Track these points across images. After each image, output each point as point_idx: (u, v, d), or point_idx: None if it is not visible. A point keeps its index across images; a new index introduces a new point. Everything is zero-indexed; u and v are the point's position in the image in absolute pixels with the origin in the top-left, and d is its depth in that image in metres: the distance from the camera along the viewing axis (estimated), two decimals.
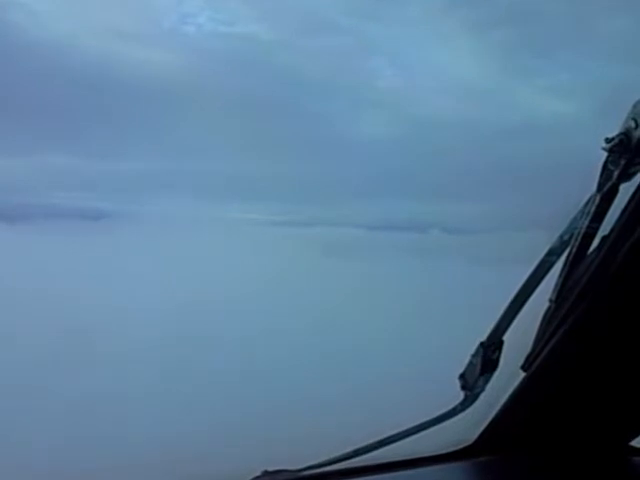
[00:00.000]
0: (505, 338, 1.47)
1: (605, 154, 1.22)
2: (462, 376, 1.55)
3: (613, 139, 1.19)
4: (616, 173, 1.19)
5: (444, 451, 1.65)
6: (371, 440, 1.61)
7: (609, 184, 1.21)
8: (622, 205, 1.23)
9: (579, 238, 1.27)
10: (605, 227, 1.25)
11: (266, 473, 1.60)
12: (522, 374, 1.47)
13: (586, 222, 1.25)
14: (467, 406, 1.55)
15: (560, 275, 1.31)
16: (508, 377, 1.52)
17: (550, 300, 1.34)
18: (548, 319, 1.36)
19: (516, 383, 1.51)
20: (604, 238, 1.26)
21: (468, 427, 1.65)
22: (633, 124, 1.17)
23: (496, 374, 1.50)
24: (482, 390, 1.52)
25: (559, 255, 1.33)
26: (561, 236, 1.33)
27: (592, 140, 1.22)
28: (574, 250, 1.28)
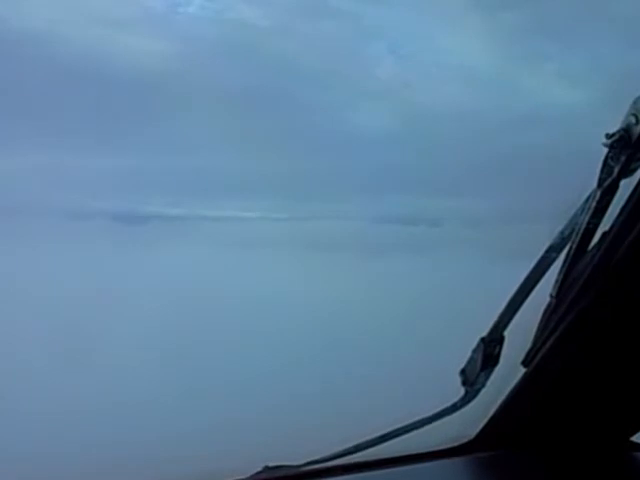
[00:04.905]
0: (506, 333, 1.47)
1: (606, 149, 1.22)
2: (463, 372, 1.55)
3: (614, 135, 1.19)
4: (616, 169, 1.19)
5: (445, 447, 1.65)
6: (372, 435, 1.61)
7: (609, 180, 1.21)
8: (623, 201, 1.24)
9: (579, 234, 1.27)
10: (605, 223, 1.26)
11: (267, 468, 1.61)
12: (523, 370, 1.47)
13: (586, 218, 1.25)
14: (468, 402, 1.56)
15: (561, 271, 1.32)
16: (509, 373, 1.52)
17: (551, 295, 1.35)
18: (549, 314, 1.36)
19: (517, 379, 1.52)
20: (605, 234, 1.26)
21: (469, 423, 1.65)
22: (633, 120, 1.17)
23: (497, 370, 1.50)
24: (483, 386, 1.52)
25: (559, 251, 1.34)
26: (561, 232, 1.33)
27: (603, 131, 1.22)
28: (574, 246, 1.28)
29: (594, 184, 1.25)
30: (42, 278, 9.22)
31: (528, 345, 1.41)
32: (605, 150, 1.21)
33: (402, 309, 8.04)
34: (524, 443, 1.58)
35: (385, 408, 4.75)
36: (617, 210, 1.24)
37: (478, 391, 1.53)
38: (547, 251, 1.37)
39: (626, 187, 1.23)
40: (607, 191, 1.22)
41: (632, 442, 1.63)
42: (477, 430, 1.64)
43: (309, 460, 1.60)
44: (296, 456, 1.63)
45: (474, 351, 1.51)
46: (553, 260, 1.36)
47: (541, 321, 1.38)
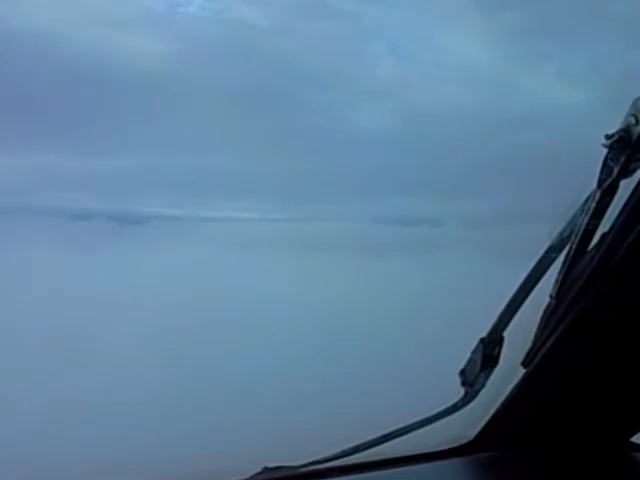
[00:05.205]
0: (505, 334, 1.47)
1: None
2: (462, 372, 1.55)
3: (613, 135, 1.19)
4: (616, 170, 1.19)
5: (445, 447, 1.65)
6: (372, 436, 1.61)
7: (609, 180, 1.21)
8: (622, 202, 1.24)
9: (579, 235, 1.27)
10: (605, 224, 1.26)
11: (266, 469, 1.60)
12: (522, 370, 1.47)
13: (586, 219, 1.25)
14: (467, 402, 1.55)
15: (560, 271, 1.32)
16: (508, 373, 1.52)
17: (550, 296, 1.34)
18: (548, 315, 1.36)
19: (516, 379, 1.51)
20: (604, 235, 1.26)
21: (468, 423, 1.65)
22: (633, 120, 1.17)
23: (496, 370, 1.50)
24: (482, 386, 1.52)
25: (559, 252, 1.34)
26: (561, 233, 1.33)
27: (603, 132, 1.22)
28: (574, 247, 1.28)
29: (594, 184, 1.24)
30: (42, 277, 9.22)
31: (528, 346, 1.41)
32: (605, 150, 1.21)
33: (402, 309, 8.04)
34: (524, 444, 1.58)
35: (385, 408, 4.75)
36: (617, 211, 1.24)
37: (478, 392, 1.53)
38: (547, 251, 1.37)
39: (626, 188, 1.22)
40: (607, 192, 1.22)
41: (632, 443, 1.63)
42: (477, 431, 1.63)
43: (309, 461, 1.60)
44: (296, 456, 1.63)
45: (474, 352, 1.50)
46: (553, 260, 1.36)
47: (541, 322, 1.38)
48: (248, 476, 1.59)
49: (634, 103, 1.18)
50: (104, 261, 10.04)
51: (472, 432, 1.64)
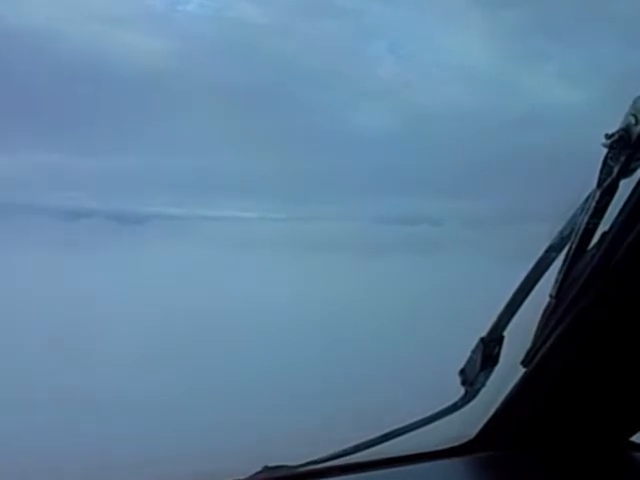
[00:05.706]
0: (505, 333, 1.47)
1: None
2: (462, 372, 1.55)
3: (613, 135, 1.19)
4: (616, 169, 1.20)
5: (445, 446, 1.65)
6: (372, 435, 1.61)
7: (609, 180, 1.21)
8: (622, 201, 1.24)
9: (579, 234, 1.27)
10: (605, 223, 1.26)
11: (266, 469, 1.61)
12: (522, 370, 1.47)
13: (586, 218, 1.25)
14: (468, 401, 1.55)
15: (560, 271, 1.32)
16: (508, 373, 1.52)
17: (550, 296, 1.34)
18: (548, 315, 1.36)
19: (516, 379, 1.52)
20: (604, 234, 1.26)
21: (469, 422, 1.65)
22: (633, 120, 1.17)
23: (496, 370, 1.50)
24: (482, 386, 1.52)
25: (559, 251, 1.34)
26: (561, 232, 1.33)
27: (603, 132, 1.22)
28: (574, 246, 1.28)
29: (594, 184, 1.24)
30: (41, 276, 9.22)
31: (528, 345, 1.41)
32: (605, 150, 1.21)
33: (402, 309, 8.04)
34: (524, 443, 1.58)
35: (385, 408, 4.75)
36: (617, 210, 1.24)
37: (478, 391, 1.53)
38: (547, 251, 1.37)
39: (626, 187, 1.23)
40: (607, 191, 1.22)
41: (631, 442, 1.63)
42: (477, 430, 1.63)
43: (309, 460, 1.60)
44: (296, 456, 1.63)
45: (474, 351, 1.50)
46: (553, 260, 1.36)
47: (541, 321, 1.38)
48: (248, 475, 1.59)
49: (634, 103, 1.18)
50: (104, 260, 10.03)
51: (472, 431, 1.64)
